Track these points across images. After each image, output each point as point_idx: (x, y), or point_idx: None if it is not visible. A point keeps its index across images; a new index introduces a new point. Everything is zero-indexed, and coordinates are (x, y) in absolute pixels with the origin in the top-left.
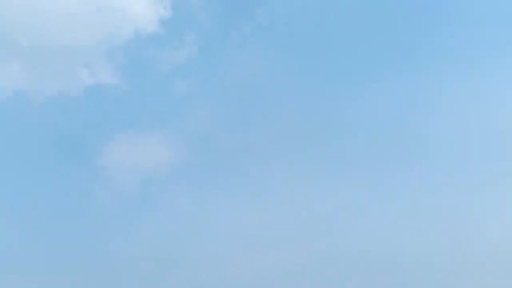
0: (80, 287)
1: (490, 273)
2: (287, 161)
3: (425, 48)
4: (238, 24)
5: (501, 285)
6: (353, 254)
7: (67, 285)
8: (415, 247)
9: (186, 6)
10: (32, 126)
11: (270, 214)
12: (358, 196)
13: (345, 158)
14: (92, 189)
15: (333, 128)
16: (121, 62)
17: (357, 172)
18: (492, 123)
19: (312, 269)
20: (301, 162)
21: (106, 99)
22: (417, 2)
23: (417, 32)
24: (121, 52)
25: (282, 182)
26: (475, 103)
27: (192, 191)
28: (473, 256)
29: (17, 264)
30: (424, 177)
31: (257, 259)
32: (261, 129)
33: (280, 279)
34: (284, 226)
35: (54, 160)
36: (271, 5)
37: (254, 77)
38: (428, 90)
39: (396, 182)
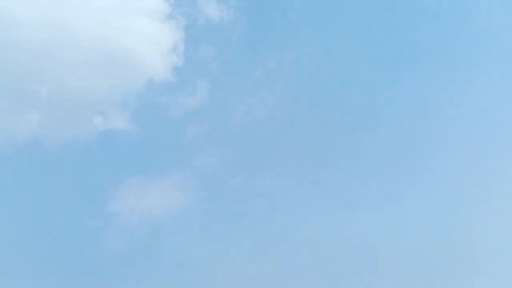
0: None
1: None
2: (299, 205)
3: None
4: (249, 70)
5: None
6: None
7: None
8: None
9: (198, 54)
10: (46, 171)
11: (284, 258)
12: (370, 235)
13: (357, 199)
14: (102, 234)
15: (344, 171)
16: (135, 109)
17: (370, 213)
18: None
19: None
20: (314, 206)
21: (119, 145)
22: (423, 43)
23: (423, 66)
24: (135, 99)
25: (296, 226)
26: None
27: (204, 235)
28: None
29: None
30: None
31: None
32: (272, 173)
33: None
34: (298, 271)
35: (66, 205)
36: (280, 52)
37: (265, 121)
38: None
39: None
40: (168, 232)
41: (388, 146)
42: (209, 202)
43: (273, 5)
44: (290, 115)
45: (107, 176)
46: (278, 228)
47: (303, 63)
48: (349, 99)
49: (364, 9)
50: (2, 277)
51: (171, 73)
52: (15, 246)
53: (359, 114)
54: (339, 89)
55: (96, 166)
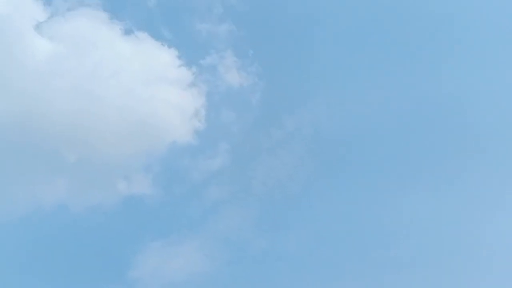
0: None
1: None
2: (324, 268)
3: None
4: (268, 132)
5: None
6: None
7: None
8: None
9: (219, 118)
10: (70, 237)
11: None
12: None
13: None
14: None
15: (368, 234)
16: (158, 173)
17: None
18: None
19: None
20: (339, 269)
21: (141, 209)
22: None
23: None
24: (158, 163)
25: None
26: None
27: None
28: None
29: None
30: None
31: None
32: (295, 235)
33: None
34: None
35: (88, 271)
36: (298, 113)
37: (285, 182)
38: None
39: None
40: None
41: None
42: (232, 265)
43: (292, 70)
44: (310, 175)
45: (129, 241)
46: None
47: (321, 123)
48: (370, 156)
49: (384, 68)
50: None
51: (193, 137)
52: None
53: (380, 173)
54: (358, 148)
55: (118, 231)
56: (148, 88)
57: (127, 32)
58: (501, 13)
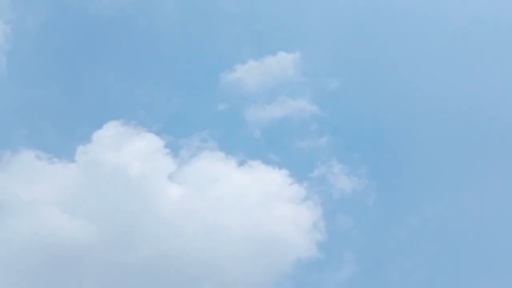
0: None
1: None
2: None
3: None
4: (392, 233)
5: None
6: None
7: None
8: None
9: (339, 226)
10: None
11: None
12: None
13: None
14: None
15: None
16: None
17: None
18: None
19: None
20: None
21: None
22: None
23: None
24: (287, 280)
25: None
26: None
27: None
28: None
29: None
30: None
31: None
32: None
33: None
34: None
35: None
36: (419, 208)
37: (425, 284)
38: None
39: None
40: None
41: None
42: None
43: (401, 166)
44: (449, 272)
45: None
46: None
47: (447, 215)
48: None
49: None
50: None
51: (316, 249)
52: None
53: None
54: (491, 234)
55: None
56: (266, 209)
57: (241, 163)
58: None
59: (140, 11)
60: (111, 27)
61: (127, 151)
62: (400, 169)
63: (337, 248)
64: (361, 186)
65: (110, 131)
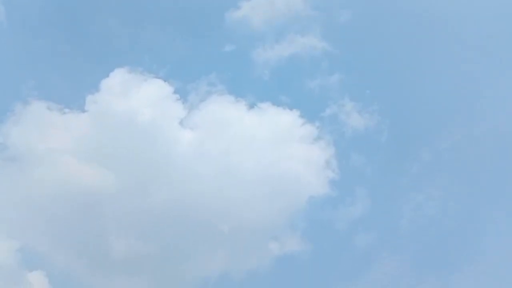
0: None
1: None
2: None
3: None
4: (405, 168)
5: None
6: None
7: None
8: None
9: (351, 164)
10: None
11: None
12: None
13: None
14: None
15: None
16: (304, 229)
17: None
18: None
19: None
20: None
21: (295, 267)
22: None
23: None
24: (302, 220)
25: None
26: None
27: None
28: None
29: None
30: None
31: None
32: (470, 275)
33: None
34: None
35: None
36: (433, 142)
37: (437, 217)
38: None
39: None
40: None
41: None
42: None
43: (413, 101)
44: (464, 205)
45: None
46: None
47: (460, 148)
48: None
49: None
50: None
51: (329, 187)
52: None
53: None
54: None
55: None
56: (278, 150)
57: (251, 106)
58: None
59: None
60: None
61: (137, 98)
62: (412, 104)
63: (350, 185)
64: (373, 123)
65: (117, 78)
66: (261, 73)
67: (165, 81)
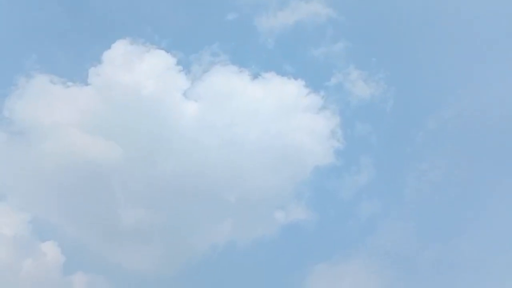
0: None
1: None
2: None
3: None
4: (410, 136)
5: None
6: None
7: None
8: None
9: (357, 133)
10: (240, 270)
11: None
12: None
13: None
14: None
15: None
16: (309, 198)
17: None
18: None
19: None
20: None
21: (301, 235)
22: None
23: None
24: (307, 189)
25: None
26: None
27: None
28: None
29: None
30: None
31: None
32: (469, 240)
33: None
34: None
35: None
36: (437, 110)
37: (441, 184)
38: None
39: None
40: None
41: None
42: (402, 280)
43: (419, 69)
44: (468, 173)
45: (296, 267)
46: None
47: (465, 116)
48: None
49: None
50: None
51: (334, 157)
52: None
53: None
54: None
55: (284, 259)
56: (283, 120)
57: (255, 76)
58: None
59: None
60: None
61: (140, 70)
62: (418, 72)
63: (355, 154)
64: (379, 92)
65: (119, 50)
66: (265, 42)
67: (167, 52)
